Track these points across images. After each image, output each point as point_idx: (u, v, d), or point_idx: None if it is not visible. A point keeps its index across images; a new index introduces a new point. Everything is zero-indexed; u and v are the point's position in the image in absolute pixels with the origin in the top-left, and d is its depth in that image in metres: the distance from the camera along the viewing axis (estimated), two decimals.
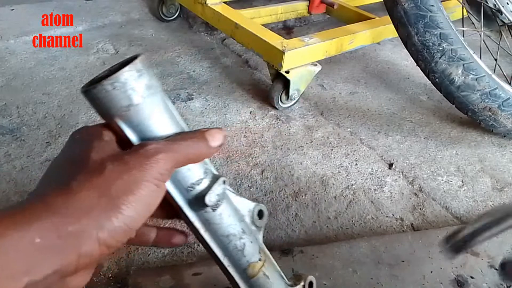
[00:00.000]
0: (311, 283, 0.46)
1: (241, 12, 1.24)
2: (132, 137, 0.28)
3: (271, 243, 0.74)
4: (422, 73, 0.99)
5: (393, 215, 0.82)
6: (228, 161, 0.91)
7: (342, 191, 0.87)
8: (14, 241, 0.21)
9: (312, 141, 1.00)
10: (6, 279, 0.20)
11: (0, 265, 0.20)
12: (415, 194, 0.88)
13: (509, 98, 0.97)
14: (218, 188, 0.32)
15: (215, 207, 0.33)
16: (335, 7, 1.40)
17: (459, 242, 0.29)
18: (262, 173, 0.89)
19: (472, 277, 0.65)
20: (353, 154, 0.98)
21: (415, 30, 0.91)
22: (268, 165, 0.91)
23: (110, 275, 0.65)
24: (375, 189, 0.88)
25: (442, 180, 0.92)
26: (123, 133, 0.28)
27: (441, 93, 1.00)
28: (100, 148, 0.26)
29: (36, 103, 1.04)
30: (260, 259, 0.38)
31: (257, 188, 0.85)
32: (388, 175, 0.92)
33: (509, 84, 1.01)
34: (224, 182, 0.33)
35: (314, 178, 0.89)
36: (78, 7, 1.59)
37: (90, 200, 0.23)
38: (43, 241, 0.21)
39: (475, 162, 0.98)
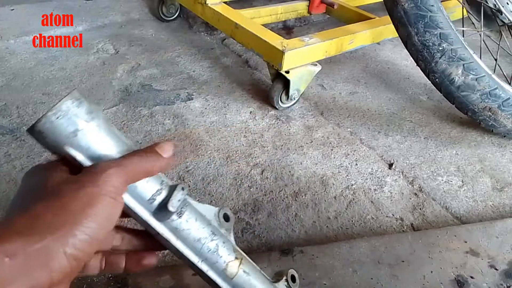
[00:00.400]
0: (293, 277, 0.46)
1: (241, 12, 1.24)
2: (85, 161, 0.30)
3: (271, 243, 0.74)
4: (422, 73, 0.99)
5: (393, 215, 0.82)
6: (228, 161, 0.91)
7: (342, 191, 0.87)
8: None
9: (312, 141, 1.00)
10: None
11: None
12: (415, 194, 0.88)
13: (509, 98, 0.97)
14: (178, 194, 0.33)
15: (180, 213, 0.34)
16: (335, 7, 1.40)
17: None
18: (262, 173, 0.89)
19: (472, 277, 0.65)
20: (353, 154, 0.98)
21: (415, 30, 0.91)
22: (268, 165, 0.91)
23: (110, 275, 0.65)
24: (375, 189, 0.88)
25: (442, 180, 0.92)
26: (75, 161, 0.30)
27: (441, 93, 1.00)
28: (55, 177, 0.28)
29: (36, 103, 1.04)
30: (236, 257, 0.38)
31: (257, 188, 0.85)
32: (388, 175, 0.92)
33: (509, 84, 1.01)
34: (183, 188, 0.34)
35: (314, 178, 0.89)
36: (78, 7, 1.59)
37: (52, 219, 0.25)
38: (12, 261, 0.22)
39: (475, 162, 0.98)
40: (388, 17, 0.99)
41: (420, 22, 0.90)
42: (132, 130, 0.98)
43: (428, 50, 0.92)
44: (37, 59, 1.23)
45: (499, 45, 1.11)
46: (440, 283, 0.64)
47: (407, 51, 0.98)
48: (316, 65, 1.09)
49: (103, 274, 0.65)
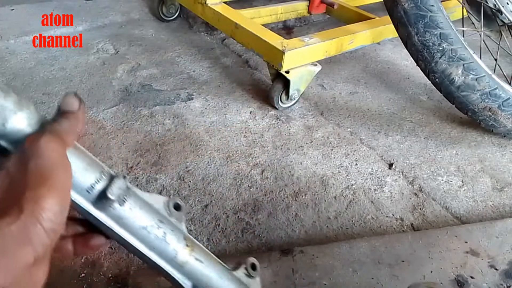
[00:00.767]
0: (253, 265, 0.45)
1: (241, 12, 1.24)
2: (9, 146, 0.29)
3: (271, 243, 0.74)
4: (422, 73, 0.99)
5: (393, 215, 0.82)
6: (228, 161, 0.91)
7: (342, 191, 0.87)
8: None
9: (312, 141, 1.00)
10: None
11: None
12: (415, 194, 0.88)
13: (509, 98, 0.97)
14: (118, 182, 0.32)
15: (122, 202, 0.33)
16: (335, 7, 1.40)
17: None
18: (262, 173, 0.89)
19: (472, 277, 0.65)
20: (353, 154, 0.98)
21: (415, 30, 0.91)
22: (268, 165, 0.91)
23: (110, 275, 0.65)
24: (375, 189, 0.88)
25: (442, 180, 0.92)
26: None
27: (441, 93, 1.00)
28: None
29: (36, 103, 1.04)
30: (187, 245, 0.37)
31: (257, 188, 0.85)
32: (388, 175, 0.92)
33: (509, 84, 1.01)
34: (124, 177, 0.33)
35: (314, 178, 0.89)
36: (78, 7, 1.59)
37: (17, 198, 0.25)
38: None
39: (475, 162, 0.98)
40: (388, 17, 0.99)
41: (420, 22, 0.90)
42: (132, 130, 0.98)
43: (428, 50, 0.92)
44: (37, 59, 1.23)
45: (499, 45, 1.11)
46: (440, 283, 0.64)
47: (407, 51, 0.98)
48: (316, 65, 1.09)
49: (103, 274, 0.65)
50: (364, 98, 1.21)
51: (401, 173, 0.93)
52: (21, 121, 0.29)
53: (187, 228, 0.73)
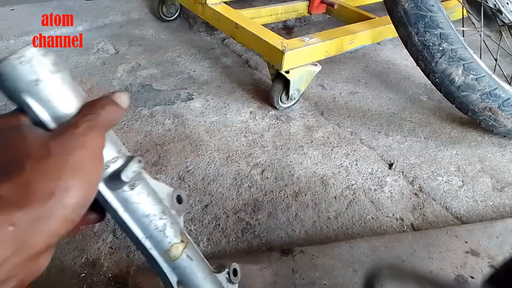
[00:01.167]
0: (235, 270, 0.45)
1: (241, 12, 1.24)
2: (42, 113, 0.28)
3: (271, 243, 0.74)
4: (422, 73, 0.99)
5: (393, 215, 0.82)
6: (228, 161, 0.91)
7: (342, 191, 0.87)
8: None
9: (312, 141, 1.00)
10: None
11: None
12: (415, 194, 0.88)
13: (509, 98, 0.97)
14: (134, 165, 0.32)
15: (132, 185, 0.33)
16: (335, 7, 1.40)
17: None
18: (262, 173, 0.89)
19: (472, 277, 0.65)
20: (353, 154, 0.98)
21: (415, 30, 0.91)
22: (268, 165, 0.91)
23: (110, 275, 0.65)
24: (375, 189, 0.88)
25: (442, 180, 0.92)
26: (31, 111, 0.28)
27: (441, 93, 1.00)
28: (31, 132, 0.27)
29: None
30: (182, 241, 0.37)
31: (257, 188, 0.85)
32: (388, 175, 0.92)
33: (509, 84, 1.01)
34: (140, 161, 0.33)
35: (314, 178, 0.89)
36: (78, 7, 1.59)
37: (48, 185, 0.24)
38: (15, 229, 0.22)
39: (475, 162, 0.98)
40: (388, 17, 0.99)
41: (420, 22, 0.90)
42: (132, 130, 0.98)
43: (428, 50, 0.92)
44: None
45: (499, 45, 1.11)
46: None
47: (407, 51, 0.98)
48: (316, 65, 1.09)
49: (103, 274, 0.65)
50: (364, 98, 1.21)
51: (401, 173, 0.93)
52: (56, 83, 0.28)
53: (187, 228, 0.74)
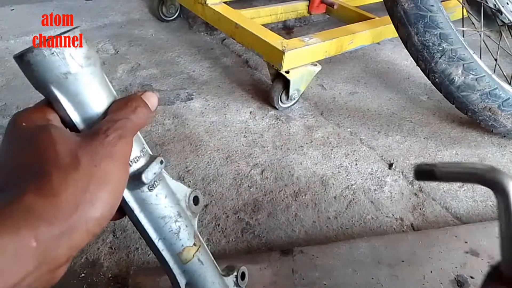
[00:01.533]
0: (243, 274, 0.45)
1: (241, 12, 1.24)
2: (71, 111, 0.27)
3: (271, 243, 0.74)
4: (422, 73, 0.99)
5: (393, 215, 0.82)
6: (228, 161, 0.91)
7: (342, 191, 0.87)
8: (9, 245, 0.21)
9: (312, 141, 1.00)
10: None
11: None
12: (415, 194, 0.88)
13: (509, 98, 0.97)
14: (155, 167, 0.31)
15: (152, 186, 0.32)
16: (335, 7, 1.40)
17: (425, 167, 0.29)
18: (262, 173, 0.89)
19: (472, 277, 0.65)
20: (353, 154, 0.97)
21: (415, 30, 0.91)
22: (268, 165, 0.91)
23: (110, 275, 0.65)
24: (375, 189, 0.88)
25: None
26: (58, 103, 0.27)
27: (441, 93, 1.00)
28: (60, 137, 0.26)
29: (36, 103, 1.04)
30: (195, 244, 0.37)
31: (257, 188, 0.85)
32: (388, 175, 0.92)
33: (509, 84, 1.01)
34: (161, 162, 0.32)
35: (314, 178, 0.89)
36: (78, 7, 1.59)
37: (75, 197, 0.23)
38: (38, 245, 0.22)
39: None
40: (388, 17, 0.99)
41: (420, 22, 0.90)
42: None
43: (428, 50, 0.92)
44: None
45: (499, 45, 1.11)
46: (440, 283, 0.64)
47: (407, 51, 0.98)
48: (316, 65, 1.09)
49: (103, 274, 0.65)
50: (364, 98, 1.21)
51: (401, 173, 0.93)
52: (86, 77, 0.27)
53: None
